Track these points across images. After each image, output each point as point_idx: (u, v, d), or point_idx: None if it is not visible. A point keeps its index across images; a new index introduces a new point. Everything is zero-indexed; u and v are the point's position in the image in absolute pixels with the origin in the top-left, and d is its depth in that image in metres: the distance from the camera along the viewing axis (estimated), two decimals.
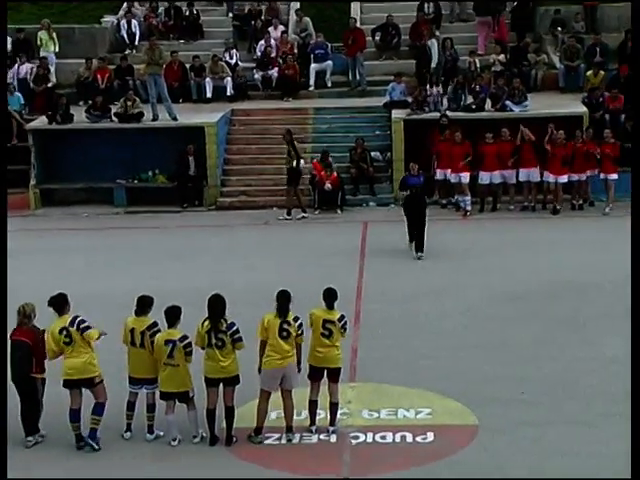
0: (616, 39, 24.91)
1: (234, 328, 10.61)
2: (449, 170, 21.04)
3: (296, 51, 25.30)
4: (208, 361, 10.65)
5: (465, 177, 20.81)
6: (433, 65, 24.02)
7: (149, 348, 10.75)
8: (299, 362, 10.84)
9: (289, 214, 21.03)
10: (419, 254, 17.31)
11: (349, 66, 25.14)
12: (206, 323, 10.61)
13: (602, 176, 20.64)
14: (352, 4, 27.17)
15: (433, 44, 24.04)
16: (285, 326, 10.59)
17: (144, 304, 10.93)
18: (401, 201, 18.38)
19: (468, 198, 20.84)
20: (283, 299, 10.69)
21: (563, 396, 11.68)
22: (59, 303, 10.75)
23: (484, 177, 20.91)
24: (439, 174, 21.27)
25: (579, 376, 12.24)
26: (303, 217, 21.04)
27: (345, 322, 10.93)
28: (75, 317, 10.69)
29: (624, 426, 10.78)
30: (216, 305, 10.61)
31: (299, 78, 24.94)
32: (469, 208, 20.83)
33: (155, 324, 10.85)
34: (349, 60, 25.06)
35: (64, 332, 10.59)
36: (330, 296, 10.94)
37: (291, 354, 10.68)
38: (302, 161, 21.17)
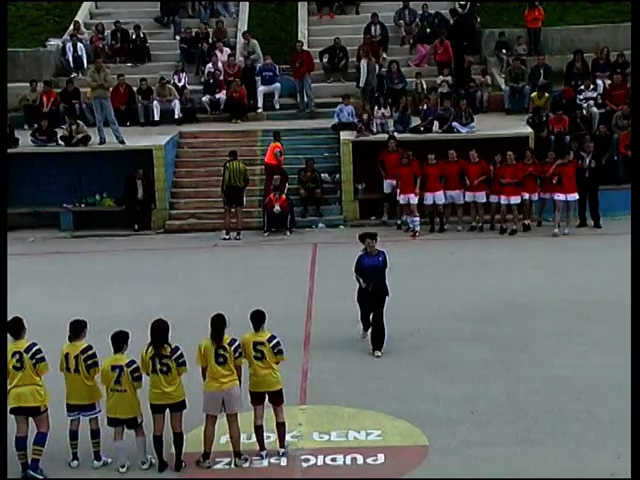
0: (559, 61, 25.38)
1: (178, 352, 10.53)
2: (411, 194, 21.01)
3: (241, 71, 25.24)
4: (153, 388, 10.55)
5: (413, 198, 20.93)
6: (361, 85, 24.14)
7: (84, 373, 10.62)
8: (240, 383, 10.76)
9: (227, 234, 21.11)
10: (377, 353, 13.72)
11: (297, 88, 25.25)
12: (150, 349, 10.53)
13: (562, 197, 20.80)
14: (300, 27, 27.31)
15: (363, 65, 24.22)
16: (221, 352, 10.53)
17: (76, 328, 10.78)
18: (356, 283, 13.97)
19: (417, 219, 20.97)
20: (216, 324, 10.63)
21: (512, 415, 11.74)
22: (16, 327, 10.61)
23: (428, 197, 21.05)
24: (402, 199, 21.17)
25: (527, 395, 12.32)
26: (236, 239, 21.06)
27: (277, 342, 10.80)
28: (33, 344, 10.55)
29: (572, 444, 10.89)
30: (159, 330, 10.53)
31: (247, 101, 24.98)
32: (418, 229, 20.96)
33: (89, 347, 10.71)
34: (297, 82, 25.18)
35: (17, 356, 10.44)
36: (256, 318, 10.87)
37: (230, 378, 10.60)
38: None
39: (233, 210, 21.28)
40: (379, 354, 13.69)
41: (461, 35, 26.04)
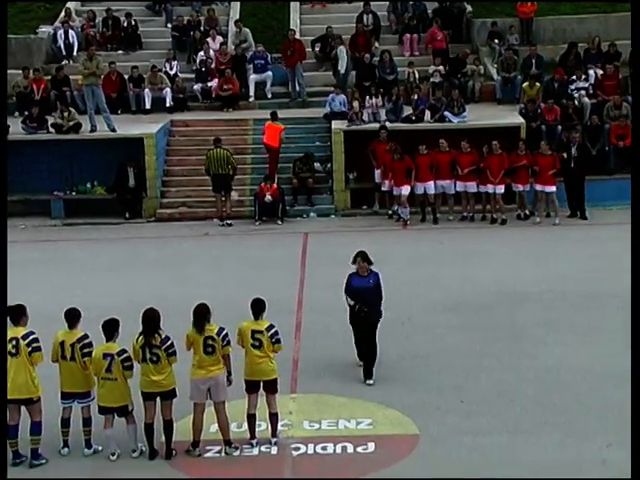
0: (551, 51, 25.38)
1: (168, 342, 10.54)
2: (404, 186, 21.07)
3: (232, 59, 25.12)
4: (143, 376, 10.58)
5: (406, 190, 20.93)
6: (342, 71, 24.06)
7: (80, 361, 10.64)
8: (229, 373, 10.79)
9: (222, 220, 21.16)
10: (367, 381, 12.52)
11: (289, 77, 25.20)
12: (140, 338, 10.55)
13: (540, 188, 20.85)
14: (292, 15, 27.25)
15: (341, 50, 24.16)
16: (209, 342, 10.55)
17: (72, 317, 10.80)
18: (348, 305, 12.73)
19: (407, 209, 20.99)
20: (198, 314, 10.64)
21: (502, 405, 11.80)
22: (16, 313, 10.64)
23: (418, 187, 21.03)
24: (387, 186, 21.31)
25: (516, 385, 12.37)
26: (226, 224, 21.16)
27: (275, 332, 10.87)
28: (30, 333, 10.57)
29: (562, 434, 10.96)
30: (150, 320, 10.55)
31: (239, 90, 24.93)
32: (408, 218, 20.96)
33: (86, 336, 10.75)
34: (288, 71, 25.11)
35: (13, 342, 10.45)
36: (256, 307, 10.91)
37: (217, 367, 10.63)
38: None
39: (223, 198, 21.28)
40: (370, 382, 12.41)
41: (446, 22, 26.01)
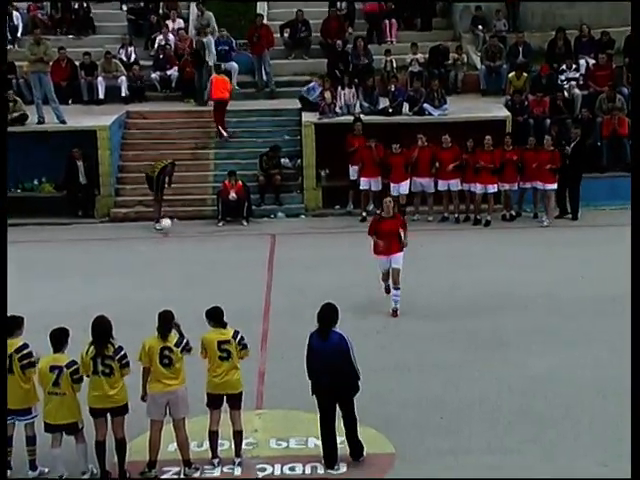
0: (540, 39, 25.52)
1: (122, 352, 10.51)
2: (373, 178, 21.16)
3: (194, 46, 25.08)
4: (93, 391, 10.51)
5: (404, 187, 21.04)
6: (210, 62, 24.23)
7: (18, 373, 10.58)
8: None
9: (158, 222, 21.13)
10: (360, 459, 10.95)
11: (255, 65, 25.18)
12: (91, 349, 10.49)
13: (540, 185, 20.97)
14: None
15: (210, 41, 24.43)
16: (166, 352, 10.54)
17: (11, 325, 10.74)
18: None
19: None
20: (164, 320, 10.63)
21: (485, 421, 11.83)
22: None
23: (393, 188, 20.85)
24: (363, 183, 21.35)
25: (501, 398, 12.43)
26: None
27: (241, 337, 10.90)
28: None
29: (549, 451, 11.00)
30: (101, 328, 10.51)
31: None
32: None
33: (25, 346, 10.68)
34: (255, 59, 25.11)
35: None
36: (215, 315, 10.89)
37: (176, 380, 10.61)
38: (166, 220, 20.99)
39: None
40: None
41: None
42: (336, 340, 10.73)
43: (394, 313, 15.35)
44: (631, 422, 9.79)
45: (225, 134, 22.93)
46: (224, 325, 10.91)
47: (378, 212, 14.77)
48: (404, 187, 21.10)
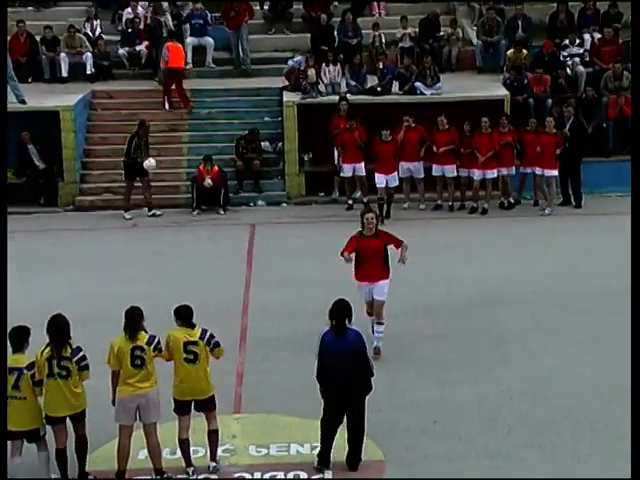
0: (541, 11, 25.55)
1: (80, 354, 10.48)
2: (357, 164, 21.16)
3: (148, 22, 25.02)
4: (49, 395, 10.45)
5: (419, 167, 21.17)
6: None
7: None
8: None
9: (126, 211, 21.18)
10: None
11: (232, 41, 25.11)
12: (47, 350, 10.45)
13: (539, 171, 21.03)
14: None
15: (168, 19, 24.62)
16: (138, 352, 10.52)
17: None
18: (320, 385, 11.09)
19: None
20: (132, 318, 10.61)
21: (481, 425, 11.88)
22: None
23: (379, 179, 20.51)
24: (346, 169, 21.34)
25: (499, 401, 12.48)
26: (154, 215, 21.13)
27: (210, 335, 10.80)
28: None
29: (551, 458, 11.06)
30: (58, 327, 10.47)
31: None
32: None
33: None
34: (232, 34, 25.03)
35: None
36: (183, 314, 10.83)
37: (147, 383, 10.59)
38: (150, 160, 21.04)
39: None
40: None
41: None
42: (353, 337, 10.77)
43: (377, 352, 13.51)
44: (631, 422, 9.86)
45: (168, 105, 22.98)
46: (192, 325, 10.84)
47: (359, 230, 13.49)
48: (393, 179, 20.73)
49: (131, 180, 21.24)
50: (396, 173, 20.87)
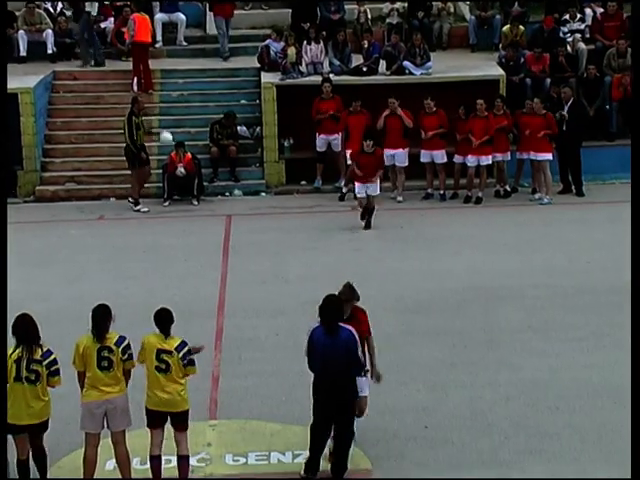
0: None
1: (51, 357, 10.47)
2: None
3: None
4: (14, 401, 10.40)
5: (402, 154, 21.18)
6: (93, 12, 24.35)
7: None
8: None
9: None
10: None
11: (217, 30, 25.01)
12: (16, 351, 10.43)
13: (532, 156, 21.11)
14: None
15: None
16: (105, 353, 10.50)
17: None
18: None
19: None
20: (98, 317, 10.58)
21: (475, 431, 11.92)
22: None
23: (359, 188, 19.62)
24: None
25: (494, 405, 12.52)
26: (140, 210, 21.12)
27: (187, 351, 10.68)
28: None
29: (550, 466, 11.12)
30: (26, 327, 10.45)
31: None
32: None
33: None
34: (218, 20, 24.84)
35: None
36: (162, 319, 10.76)
37: (115, 387, 10.59)
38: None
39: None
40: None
41: None
42: (346, 336, 10.68)
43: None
44: (631, 422, 9.92)
45: (136, 88, 23.00)
46: (168, 333, 10.75)
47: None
48: (373, 188, 19.43)
49: (141, 166, 21.00)
50: (377, 182, 19.74)
